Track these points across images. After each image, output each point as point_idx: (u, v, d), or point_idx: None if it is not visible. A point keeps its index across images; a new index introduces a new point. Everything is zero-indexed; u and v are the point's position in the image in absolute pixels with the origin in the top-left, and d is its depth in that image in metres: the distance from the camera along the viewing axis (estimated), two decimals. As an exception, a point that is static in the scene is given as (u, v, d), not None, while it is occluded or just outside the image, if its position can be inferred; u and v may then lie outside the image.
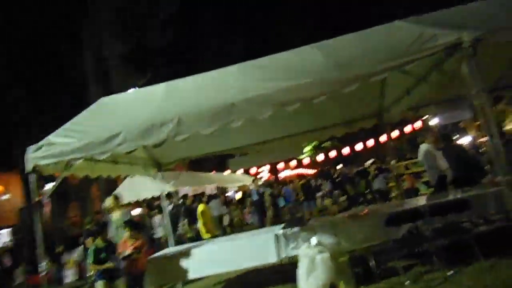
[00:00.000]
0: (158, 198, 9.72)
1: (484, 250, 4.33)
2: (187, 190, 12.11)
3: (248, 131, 6.00)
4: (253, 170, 20.06)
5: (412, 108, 5.68)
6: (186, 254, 5.15)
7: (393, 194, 11.37)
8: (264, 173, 27.67)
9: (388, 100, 5.53)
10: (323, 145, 25.83)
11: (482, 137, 15.04)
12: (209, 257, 5.11)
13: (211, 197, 11.28)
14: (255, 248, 5.10)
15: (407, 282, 4.31)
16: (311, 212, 11.69)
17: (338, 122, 6.27)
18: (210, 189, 14.15)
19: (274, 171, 25.59)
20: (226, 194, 14.67)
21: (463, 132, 14.56)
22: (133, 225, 5.55)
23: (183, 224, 9.53)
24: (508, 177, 4.99)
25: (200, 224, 8.26)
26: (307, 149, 25.83)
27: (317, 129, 6.40)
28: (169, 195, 10.13)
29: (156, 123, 3.60)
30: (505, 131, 10.41)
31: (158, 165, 6.76)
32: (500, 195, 4.67)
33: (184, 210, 9.68)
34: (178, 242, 7.89)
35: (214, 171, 17.29)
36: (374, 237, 4.97)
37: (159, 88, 4.57)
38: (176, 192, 11.28)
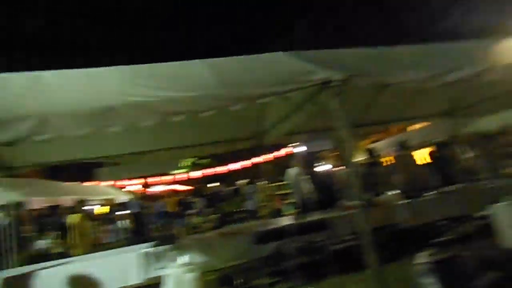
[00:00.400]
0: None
1: (337, 267, 4.90)
2: (40, 201, 10.45)
3: (123, 139, 5.57)
4: (122, 183, 18.72)
5: (288, 134, 6.20)
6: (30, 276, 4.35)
7: (261, 214, 12.11)
8: (134, 187, 26.06)
9: (267, 124, 5.91)
10: (199, 162, 25.95)
11: (338, 166, 17.40)
12: (61, 280, 4.42)
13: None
14: (119, 268, 4.65)
15: (270, 298, 4.52)
16: (183, 229, 11.45)
17: (219, 140, 6.36)
18: (69, 201, 12.52)
19: (145, 185, 24.38)
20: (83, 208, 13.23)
21: (322, 160, 16.51)
22: None
23: (52, 238, 8.22)
24: (358, 202, 5.88)
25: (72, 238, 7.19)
26: (183, 164, 25.51)
27: (198, 144, 6.36)
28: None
29: (11, 117, 3.00)
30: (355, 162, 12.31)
31: (6, 169, 5.64)
32: (352, 217, 5.42)
33: (53, 222, 8.37)
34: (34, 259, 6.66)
35: (81, 182, 15.50)
36: (243, 255, 5.12)
37: (18, 78, 3.86)
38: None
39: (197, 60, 4.50)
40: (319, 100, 3.85)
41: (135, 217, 11.04)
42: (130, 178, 13.92)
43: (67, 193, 12.24)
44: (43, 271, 4.54)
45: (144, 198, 13.20)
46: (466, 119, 7.50)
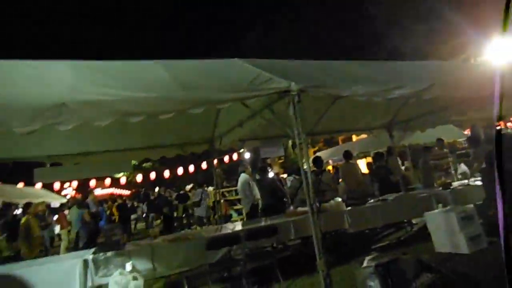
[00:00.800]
0: None
1: (283, 272, 5.01)
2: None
3: (67, 139, 5.25)
4: (56, 186, 17.36)
5: (241, 140, 6.26)
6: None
7: (210, 220, 12.01)
8: (69, 189, 24.34)
9: (222, 129, 5.91)
10: (143, 165, 25.02)
11: (283, 173, 17.86)
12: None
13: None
14: (57, 276, 4.31)
15: (218, 305, 4.49)
16: (127, 234, 10.97)
17: (171, 143, 6.22)
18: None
19: (82, 188, 22.89)
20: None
21: (272, 167, 16.84)
22: None
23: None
24: (306, 209, 6.08)
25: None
26: (125, 168, 24.34)
27: (149, 147, 6.16)
28: None
29: None
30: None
31: None
32: (300, 223, 5.60)
33: (4, 223, 7.60)
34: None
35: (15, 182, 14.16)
36: (192, 261, 5.03)
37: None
38: None
39: (152, 61, 4.39)
40: (276, 107, 3.95)
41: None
42: (70, 180, 13.00)
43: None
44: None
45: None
46: (404, 132, 8.12)
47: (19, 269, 4.54)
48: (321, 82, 3.74)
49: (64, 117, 2.88)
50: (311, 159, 6.77)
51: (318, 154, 12.05)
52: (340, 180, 8.78)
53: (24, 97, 3.01)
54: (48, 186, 16.29)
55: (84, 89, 3.22)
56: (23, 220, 7.20)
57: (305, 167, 3.70)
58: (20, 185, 15.01)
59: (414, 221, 7.43)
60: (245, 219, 7.68)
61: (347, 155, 8.04)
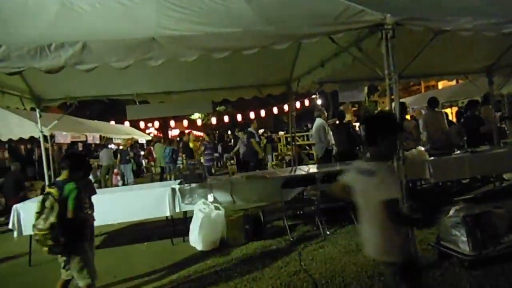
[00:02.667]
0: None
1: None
2: (64, 136, 10.79)
3: (155, 78, 5.55)
4: (141, 125, 19.00)
5: (320, 82, 6.04)
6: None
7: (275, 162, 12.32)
8: (152, 129, 26.49)
9: (300, 70, 5.74)
10: (217, 108, 25.95)
11: (356, 121, 17.20)
12: (105, 207, 4.67)
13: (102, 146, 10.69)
14: (151, 201, 4.88)
15: (291, 239, 4.69)
16: (210, 170, 11.93)
17: (249, 84, 6.26)
18: (91, 138, 12.92)
19: (164, 128, 24.72)
20: (109, 146, 13.69)
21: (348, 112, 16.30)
22: None
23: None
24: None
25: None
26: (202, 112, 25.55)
27: (228, 88, 6.29)
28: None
29: (53, 44, 2.94)
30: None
31: (37, 100, 5.73)
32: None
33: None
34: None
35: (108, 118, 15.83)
36: (268, 198, 5.26)
37: (51, 3, 3.74)
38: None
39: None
40: (365, 44, 3.66)
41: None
42: (156, 117, 14.10)
43: (91, 129, 12.57)
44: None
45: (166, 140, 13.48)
46: (506, 78, 7.12)
47: (120, 192, 5.21)
48: (421, 14, 3.31)
49: (154, 53, 3.00)
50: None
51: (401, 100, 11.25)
52: (422, 129, 8.17)
53: (117, 33, 3.17)
54: (134, 126, 17.93)
55: (170, 26, 3.27)
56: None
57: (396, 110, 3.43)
58: (112, 122, 16.72)
59: (505, 177, 6.79)
60: (316, 163, 7.66)
61: (433, 103, 7.35)
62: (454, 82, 14.33)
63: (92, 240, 3.56)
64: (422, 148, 5.96)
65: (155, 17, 3.55)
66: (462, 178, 6.60)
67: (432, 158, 5.73)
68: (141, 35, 3.12)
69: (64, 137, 10.82)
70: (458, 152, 6.14)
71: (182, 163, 11.03)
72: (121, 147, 10.62)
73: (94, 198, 3.64)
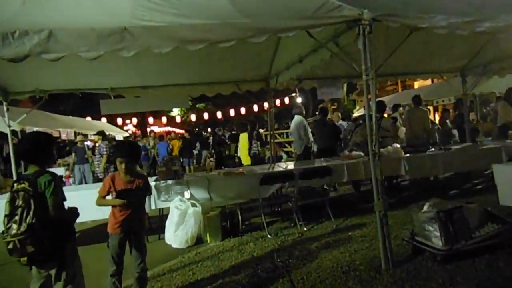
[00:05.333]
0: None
1: (333, 212, 5.03)
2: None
3: (130, 71, 5.40)
4: (119, 121, 18.55)
5: (298, 79, 6.03)
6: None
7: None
8: (130, 126, 25.94)
9: (279, 66, 5.71)
10: (197, 105, 25.71)
11: (336, 118, 17.37)
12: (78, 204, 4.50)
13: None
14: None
15: (268, 236, 4.67)
16: (189, 168, 11.82)
17: (227, 80, 6.18)
18: (65, 134, 12.52)
19: (142, 124, 24.27)
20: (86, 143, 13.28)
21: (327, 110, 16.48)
22: None
23: None
24: (360, 153, 5.91)
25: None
26: (180, 107, 25.25)
27: (206, 83, 6.19)
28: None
29: (17, 31, 2.78)
30: (355, 117, 12.29)
31: (4, 92, 5.47)
32: (353, 166, 5.49)
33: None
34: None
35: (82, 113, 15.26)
36: (246, 195, 5.23)
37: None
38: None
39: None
40: (342, 40, 3.66)
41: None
42: (130, 113, 13.80)
43: (65, 125, 12.16)
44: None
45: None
46: (479, 78, 7.34)
47: (95, 189, 5.02)
48: (397, 10, 3.33)
49: (126, 43, 2.88)
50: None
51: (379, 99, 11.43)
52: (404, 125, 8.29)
53: (88, 23, 3.03)
54: (112, 122, 17.49)
55: (144, 16, 3.16)
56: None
57: (370, 107, 3.44)
58: (88, 118, 16.24)
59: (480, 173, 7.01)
60: (296, 160, 7.66)
61: (417, 100, 7.48)
62: (429, 82, 14.72)
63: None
64: (398, 146, 6.06)
65: (130, 7, 3.41)
66: (436, 174, 6.76)
67: (407, 155, 5.84)
68: (113, 25, 3.00)
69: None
70: (433, 149, 6.29)
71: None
72: (78, 144, 9.42)
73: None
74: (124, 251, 3.04)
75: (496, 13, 3.50)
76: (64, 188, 2.64)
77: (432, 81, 12.95)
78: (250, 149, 8.36)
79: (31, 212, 2.23)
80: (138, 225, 3.05)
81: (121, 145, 3.95)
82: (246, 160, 8.14)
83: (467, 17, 3.41)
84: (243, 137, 8.43)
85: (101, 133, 9.38)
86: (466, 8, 3.74)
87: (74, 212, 2.57)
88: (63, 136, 12.44)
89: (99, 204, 3.10)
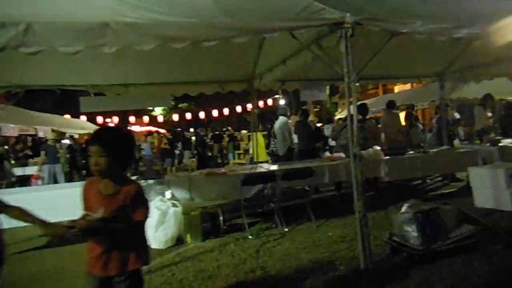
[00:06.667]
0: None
1: (314, 213, 5.07)
2: (11, 129, 10.08)
3: (112, 68, 5.30)
4: (99, 120, 18.19)
5: (281, 80, 6.05)
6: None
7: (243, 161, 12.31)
8: (111, 125, 25.44)
9: (262, 67, 5.72)
10: (179, 105, 25.48)
11: (317, 122, 17.56)
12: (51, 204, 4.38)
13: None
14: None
15: (249, 237, 4.66)
16: (171, 168, 11.69)
17: (210, 80, 6.15)
18: (42, 132, 12.17)
19: (123, 124, 23.85)
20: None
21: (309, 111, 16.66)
22: None
23: None
24: (342, 155, 5.99)
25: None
26: (161, 107, 24.96)
27: (189, 82, 6.13)
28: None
29: (-8, 24, 2.69)
30: (338, 119, 12.46)
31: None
32: (335, 168, 5.55)
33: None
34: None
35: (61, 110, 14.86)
36: (227, 195, 5.20)
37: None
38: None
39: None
40: (325, 43, 3.70)
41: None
42: (111, 112, 13.54)
43: (42, 122, 11.84)
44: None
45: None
46: (453, 84, 7.56)
47: (69, 188, 4.89)
48: (378, 15, 3.40)
49: (108, 39, 2.82)
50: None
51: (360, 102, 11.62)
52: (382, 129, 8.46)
53: (67, 17, 2.96)
54: (92, 120, 17.14)
55: (127, 13, 3.10)
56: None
57: (351, 109, 3.48)
58: (67, 116, 15.86)
59: (458, 176, 7.20)
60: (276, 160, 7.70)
61: (390, 105, 7.67)
62: (409, 87, 15.06)
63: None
64: (378, 148, 6.17)
65: (112, 4, 3.35)
66: (414, 177, 6.91)
67: (387, 157, 5.95)
68: (94, 20, 2.93)
69: (11, 130, 10.10)
70: (412, 152, 6.43)
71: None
72: (50, 142, 8.89)
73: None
74: None
75: (473, 20, 3.61)
76: (35, 188, 2.56)
77: (412, 86, 13.25)
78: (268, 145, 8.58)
79: None
80: (126, 265, 1.87)
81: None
82: (264, 157, 8.30)
83: (445, 23, 3.51)
84: (258, 136, 8.52)
85: None
86: (444, 15, 3.84)
87: None
88: (40, 134, 12.08)
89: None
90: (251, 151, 9.06)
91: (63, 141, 12.36)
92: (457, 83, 7.61)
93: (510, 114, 6.55)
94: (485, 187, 5.05)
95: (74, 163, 10.30)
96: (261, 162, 7.40)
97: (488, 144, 6.63)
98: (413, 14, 3.56)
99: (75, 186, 5.05)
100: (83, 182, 2.04)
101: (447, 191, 6.73)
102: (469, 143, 7.96)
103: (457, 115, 9.29)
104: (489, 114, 7.72)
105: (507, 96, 10.99)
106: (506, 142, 6.70)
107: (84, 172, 11.93)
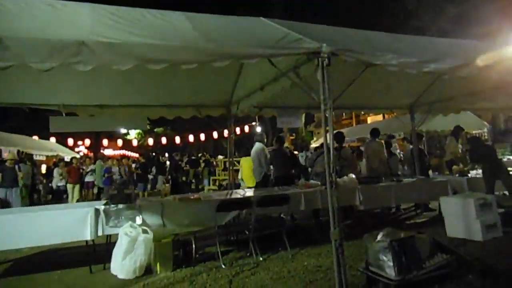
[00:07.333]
0: None
1: (290, 241, 4.98)
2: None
3: (86, 88, 5.19)
4: (70, 142, 17.61)
5: (258, 107, 6.10)
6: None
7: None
8: (82, 147, 24.70)
9: (240, 93, 5.75)
10: (155, 130, 25.20)
11: (293, 150, 17.74)
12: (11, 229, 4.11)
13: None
14: (70, 223, 4.35)
15: (223, 266, 4.49)
16: (143, 193, 11.34)
17: (188, 104, 6.10)
18: (6, 153, 11.60)
19: (95, 146, 23.18)
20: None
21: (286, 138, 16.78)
22: None
23: None
24: (319, 182, 6.00)
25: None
26: (136, 131, 24.56)
27: (166, 105, 6.06)
28: None
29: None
30: (314, 147, 12.62)
31: None
32: (311, 195, 5.53)
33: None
34: None
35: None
36: (201, 222, 5.03)
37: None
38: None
39: (175, 12, 4.21)
40: (302, 71, 3.77)
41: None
42: (83, 134, 13.12)
43: (8, 143, 11.31)
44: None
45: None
46: (426, 115, 7.87)
47: (32, 212, 4.60)
48: (353, 47, 3.52)
49: (83, 57, 2.75)
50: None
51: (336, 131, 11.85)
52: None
53: (42, 33, 2.88)
54: (62, 142, 16.56)
55: (104, 33, 3.07)
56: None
57: (328, 137, 3.50)
58: (35, 137, 15.24)
59: (430, 206, 7.35)
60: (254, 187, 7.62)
61: (375, 133, 7.80)
62: (381, 118, 15.61)
63: None
64: (354, 176, 6.23)
65: (89, 24, 3.33)
66: (388, 205, 6.99)
67: (361, 185, 6.00)
68: (69, 37, 2.87)
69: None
70: (386, 181, 6.53)
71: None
72: (8, 164, 8.35)
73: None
74: None
75: (442, 56, 3.81)
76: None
77: (383, 117, 13.72)
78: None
79: None
80: None
81: None
82: (251, 182, 7.95)
83: (416, 58, 3.68)
84: (247, 161, 8.31)
85: None
86: (414, 50, 4.05)
87: None
88: (5, 155, 11.49)
89: None
90: (240, 176, 8.89)
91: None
92: (427, 115, 7.91)
93: (475, 147, 6.82)
94: (456, 217, 5.16)
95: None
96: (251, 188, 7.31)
97: (457, 175, 6.85)
98: (386, 48, 3.70)
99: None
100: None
101: (420, 220, 6.83)
102: (439, 174, 8.22)
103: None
104: (460, 145, 8.05)
105: (471, 130, 11.61)
106: (473, 173, 6.95)
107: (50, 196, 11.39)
